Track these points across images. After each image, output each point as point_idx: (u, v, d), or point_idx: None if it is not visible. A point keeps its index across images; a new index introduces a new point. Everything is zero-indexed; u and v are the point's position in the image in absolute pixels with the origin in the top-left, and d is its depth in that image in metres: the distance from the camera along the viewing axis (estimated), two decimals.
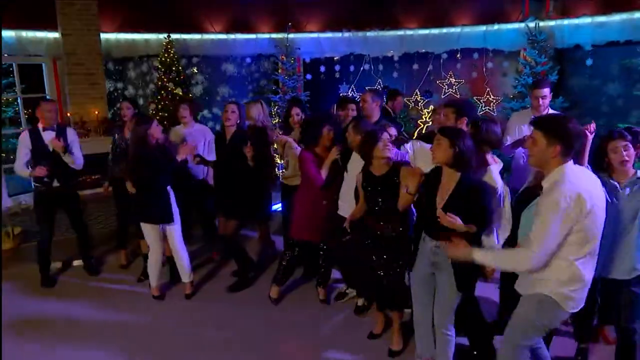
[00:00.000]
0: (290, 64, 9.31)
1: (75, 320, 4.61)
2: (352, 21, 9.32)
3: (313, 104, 9.02)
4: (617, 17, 7.18)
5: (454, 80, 9.13)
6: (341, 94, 9.52)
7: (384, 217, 3.78)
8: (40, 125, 5.12)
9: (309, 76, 9.57)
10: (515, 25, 8.12)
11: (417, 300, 3.64)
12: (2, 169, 7.09)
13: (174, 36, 8.72)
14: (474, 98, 8.87)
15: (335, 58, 9.53)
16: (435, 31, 8.85)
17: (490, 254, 3.04)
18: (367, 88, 7.29)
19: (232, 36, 9.51)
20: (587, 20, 7.46)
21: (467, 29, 8.56)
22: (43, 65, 8.30)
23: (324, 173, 4.42)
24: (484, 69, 8.76)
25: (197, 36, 9.37)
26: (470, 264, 3.00)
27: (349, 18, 9.34)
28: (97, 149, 8.15)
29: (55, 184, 5.15)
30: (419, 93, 9.42)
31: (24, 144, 5.03)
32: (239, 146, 4.90)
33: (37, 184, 5.12)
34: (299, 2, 9.60)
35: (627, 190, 3.37)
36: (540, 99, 5.04)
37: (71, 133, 5.55)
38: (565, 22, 7.65)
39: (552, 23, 7.73)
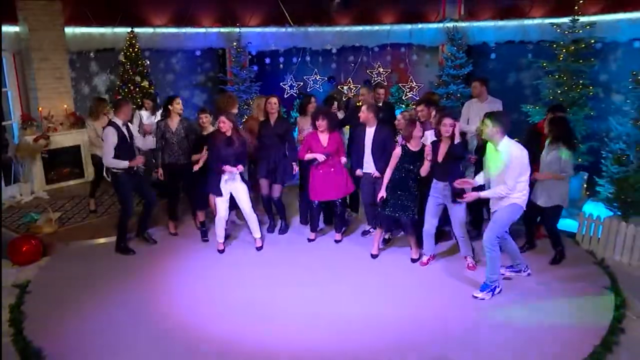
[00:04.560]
0: (240, 56, 10.79)
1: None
2: (292, 17, 11.03)
3: (263, 92, 10.59)
4: (512, 23, 9.87)
5: (382, 70, 11.34)
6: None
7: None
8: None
9: (255, 67, 11.12)
10: (435, 25, 10.50)
11: (428, 218, 5.76)
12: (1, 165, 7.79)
13: (124, 30, 9.70)
14: (399, 85, 11.17)
15: (279, 50, 11.25)
16: (368, 28, 10.94)
17: (486, 192, 5.16)
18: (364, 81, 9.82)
19: (182, 30, 10.70)
20: (490, 23, 10.08)
21: (396, 27, 10.78)
22: (4, 59, 8.82)
23: (307, 157, 6.31)
24: (409, 61, 11.10)
25: (149, 30, 10.41)
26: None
27: (290, 14, 11.03)
28: (68, 142, 9.08)
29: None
30: (351, 81, 11.49)
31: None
32: (281, 129, 6.62)
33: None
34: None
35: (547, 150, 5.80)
36: (476, 89, 7.38)
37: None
38: (474, 24, 10.20)
39: (464, 24, 10.22)
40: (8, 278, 5.60)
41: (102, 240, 6.75)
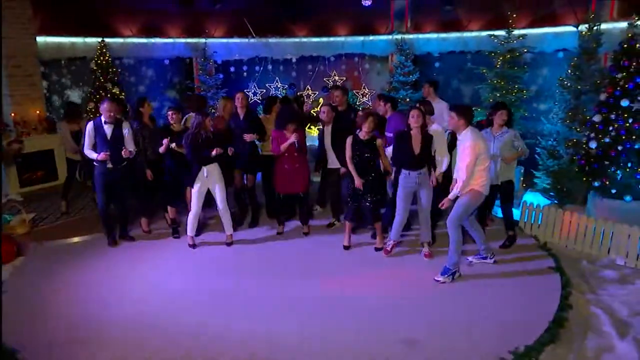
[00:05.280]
0: (206, 65, 10.32)
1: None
2: (255, 29, 10.64)
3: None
4: (453, 35, 9.83)
5: (338, 78, 11.10)
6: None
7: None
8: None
9: (221, 75, 10.66)
10: (385, 37, 10.35)
11: (402, 208, 5.47)
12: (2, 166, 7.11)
13: (95, 40, 9.11)
14: (354, 91, 10.97)
15: (243, 60, 10.83)
16: (324, 39, 10.68)
17: (454, 190, 4.93)
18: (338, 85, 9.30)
19: (152, 40, 10.14)
20: (434, 35, 10.01)
21: (350, 39, 10.56)
22: None
23: (283, 147, 5.91)
24: (362, 70, 10.92)
25: (119, 40, 9.80)
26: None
27: (252, 26, 10.64)
28: (41, 146, 8.40)
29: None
30: (310, 88, 11.20)
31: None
32: (250, 123, 6.27)
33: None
34: (207, 12, 10.56)
35: (497, 137, 5.68)
36: (425, 90, 7.29)
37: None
38: (420, 35, 10.11)
39: (411, 36, 10.11)
40: None
41: (75, 239, 6.20)
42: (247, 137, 6.16)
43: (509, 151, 5.66)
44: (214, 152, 5.60)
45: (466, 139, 4.79)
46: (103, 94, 8.87)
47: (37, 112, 8.45)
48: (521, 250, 5.76)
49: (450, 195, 4.96)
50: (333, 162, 6.16)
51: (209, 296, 4.83)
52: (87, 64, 9.25)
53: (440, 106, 6.73)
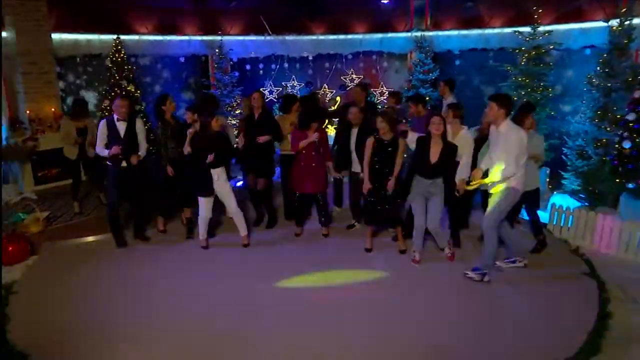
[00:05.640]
0: (222, 63, 10.14)
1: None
2: (271, 27, 10.46)
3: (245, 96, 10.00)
4: (474, 32, 9.55)
5: (355, 76, 10.87)
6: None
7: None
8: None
9: (236, 73, 10.47)
10: (404, 34, 10.10)
11: (417, 212, 5.16)
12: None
13: (110, 37, 8.94)
14: (371, 90, 10.71)
15: (259, 58, 10.65)
16: (342, 37, 10.45)
17: (489, 177, 4.64)
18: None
19: (167, 37, 9.99)
20: (454, 32, 9.73)
21: (368, 36, 10.32)
22: None
23: (302, 143, 5.68)
24: (380, 68, 10.66)
25: (135, 37, 9.66)
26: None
27: (268, 23, 10.45)
28: (56, 144, 8.24)
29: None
30: (327, 87, 10.97)
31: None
32: (265, 124, 6.03)
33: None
34: (223, 9, 10.41)
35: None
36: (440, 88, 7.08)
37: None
38: (440, 32, 9.84)
39: (430, 33, 9.85)
40: None
41: (90, 239, 6.04)
42: (261, 139, 5.93)
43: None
44: (209, 159, 5.35)
45: (510, 130, 4.51)
46: (118, 91, 8.75)
47: (53, 109, 8.34)
48: (552, 255, 5.47)
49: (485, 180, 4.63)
50: (357, 166, 5.95)
51: (221, 300, 4.62)
52: (102, 61, 9.12)
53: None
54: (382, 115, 5.26)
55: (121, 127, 5.46)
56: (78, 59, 9.13)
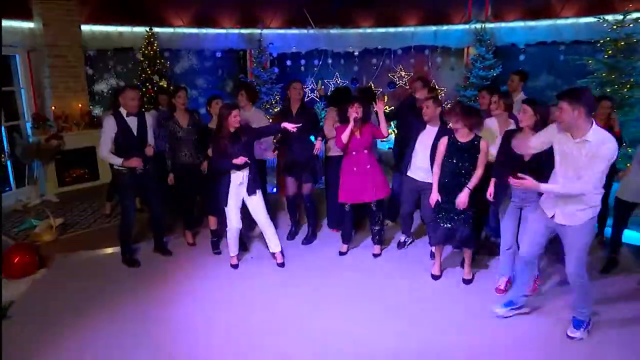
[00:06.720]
0: (261, 57, 9.36)
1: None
2: (314, 20, 9.60)
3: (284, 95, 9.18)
4: (543, 23, 8.39)
5: (404, 74, 9.87)
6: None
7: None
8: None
9: (276, 69, 9.68)
10: (461, 27, 9.03)
11: (511, 231, 4.12)
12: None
13: (143, 29, 8.35)
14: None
15: (301, 53, 9.80)
16: (391, 30, 9.47)
17: (553, 186, 3.44)
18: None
19: (203, 31, 9.29)
20: (520, 24, 8.59)
21: (420, 29, 9.30)
22: (17, 56, 7.46)
23: (344, 136, 4.71)
24: (432, 64, 9.61)
25: (169, 30, 9.01)
26: None
27: (312, 17, 9.60)
28: (83, 143, 7.68)
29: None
30: (373, 84, 10.00)
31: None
32: (304, 119, 5.09)
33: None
34: (263, 1, 9.63)
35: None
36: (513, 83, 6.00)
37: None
38: (502, 24, 8.72)
39: (491, 25, 8.74)
40: None
41: (109, 251, 5.28)
42: (289, 126, 4.60)
43: None
44: (235, 161, 4.43)
45: (600, 139, 3.20)
46: (149, 86, 8.12)
47: (80, 105, 7.75)
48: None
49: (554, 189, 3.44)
50: (418, 172, 4.91)
51: (252, 328, 3.81)
52: (134, 54, 8.50)
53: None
54: (452, 112, 4.20)
55: (132, 123, 4.61)
56: (109, 53, 8.53)
